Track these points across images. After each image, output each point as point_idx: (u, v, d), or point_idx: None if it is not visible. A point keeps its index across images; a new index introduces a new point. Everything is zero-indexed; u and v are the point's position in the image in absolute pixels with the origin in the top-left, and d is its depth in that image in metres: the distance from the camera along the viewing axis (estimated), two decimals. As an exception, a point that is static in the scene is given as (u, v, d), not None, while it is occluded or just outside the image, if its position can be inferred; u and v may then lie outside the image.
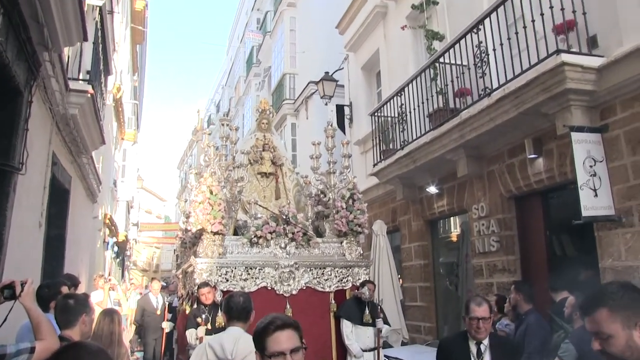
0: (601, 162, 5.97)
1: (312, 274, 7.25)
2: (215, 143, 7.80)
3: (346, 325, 6.99)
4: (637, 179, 5.67)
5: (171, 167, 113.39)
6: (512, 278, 7.42)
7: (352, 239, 7.65)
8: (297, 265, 7.14)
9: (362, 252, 7.81)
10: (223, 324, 6.30)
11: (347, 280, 7.41)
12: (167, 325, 8.95)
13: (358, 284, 7.32)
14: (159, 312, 10.65)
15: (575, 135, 5.94)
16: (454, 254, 9.97)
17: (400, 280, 10.72)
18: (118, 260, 25.59)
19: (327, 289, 7.28)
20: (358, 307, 7.02)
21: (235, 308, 4.07)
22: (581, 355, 4.19)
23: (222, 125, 8.03)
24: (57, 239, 8.49)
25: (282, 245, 7.27)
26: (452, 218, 10.05)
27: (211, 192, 6.87)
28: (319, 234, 7.83)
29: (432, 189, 9.65)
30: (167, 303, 9.59)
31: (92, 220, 13.58)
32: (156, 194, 57.88)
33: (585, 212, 5.77)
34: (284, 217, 7.31)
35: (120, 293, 11.13)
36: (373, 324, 7.01)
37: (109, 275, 16.18)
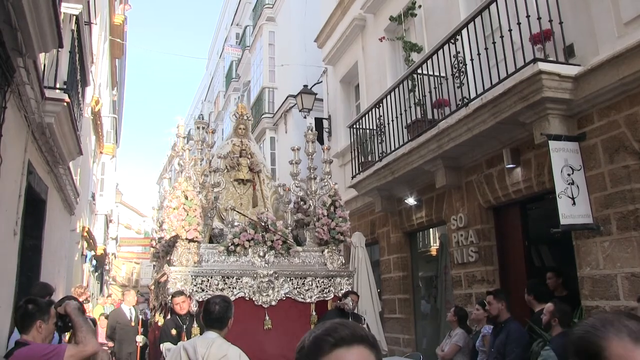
0: (579, 170, 5.97)
1: (292, 284, 7.08)
2: (190, 146, 7.62)
3: None
4: (614, 187, 5.67)
5: (150, 184, 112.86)
6: (491, 288, 7.38)
7: (334, 247, 7.50)
8: (276, 275, 6.97)
9: (343, 261, 7.68)
10: (198, 335, 6.17)
11: (328, 291, 7.25)
12: (140, 339, 8.74)
13: (340, 295, 7.15)
14: (133, 324, 10.29)
15: (552, 144, 5.94)
16: (433, 266, 9.93)
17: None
18: (97, 274, 25.20)
19: (308, 300, 7.11)
20: (340, 318, 6.82)
21: (211, 316, 3.99)
22: (562, 361, 4.15)
23: (197, 128, 7.84)
24: (33, 250, 8.25)
25: (261, 253, 7.10)
26: (431, 230, 10.02)
27: (186, 198, 6.69)
28: (298, 243, 7.68)
29: (411, 201, 9.61)
30: (140, 316, 9.38)
31: (70, 233, 13.32)
32: (136, 209, 57.44)
33: (563, 221, 5.75)
34: (263, 224, 7.15)
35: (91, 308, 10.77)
36: None
37: (87, 286, 15.87)
